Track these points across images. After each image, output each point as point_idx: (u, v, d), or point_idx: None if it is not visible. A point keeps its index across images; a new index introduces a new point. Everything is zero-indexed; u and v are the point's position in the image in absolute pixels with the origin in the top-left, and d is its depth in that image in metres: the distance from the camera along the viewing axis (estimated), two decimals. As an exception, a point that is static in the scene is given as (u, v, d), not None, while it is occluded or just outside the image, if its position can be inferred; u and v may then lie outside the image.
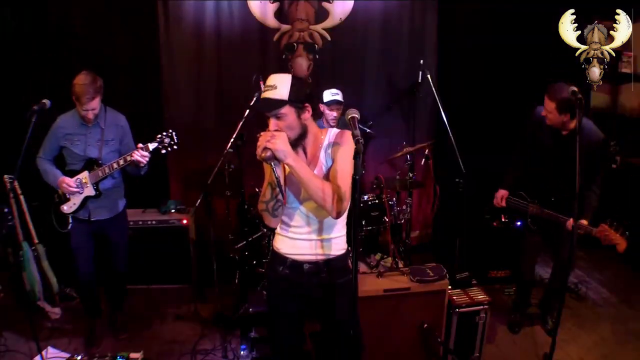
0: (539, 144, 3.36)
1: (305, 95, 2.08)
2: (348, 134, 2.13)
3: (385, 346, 3.03)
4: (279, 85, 2.03)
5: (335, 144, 2.17)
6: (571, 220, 3.05)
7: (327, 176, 2.16)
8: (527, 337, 3.58)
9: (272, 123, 2.06)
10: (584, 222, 3.09)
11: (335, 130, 2.22)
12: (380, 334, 3.00)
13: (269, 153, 1.96)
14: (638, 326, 3.67)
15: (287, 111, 2.04)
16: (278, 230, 2.33)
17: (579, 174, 2.60)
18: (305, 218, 2.23)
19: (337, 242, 2.28)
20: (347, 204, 2.11)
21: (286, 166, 2.09)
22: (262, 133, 2.03)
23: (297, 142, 2.12)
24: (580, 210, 3.00)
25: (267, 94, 2.05)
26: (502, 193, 3.57)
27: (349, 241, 2.35)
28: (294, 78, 2.07)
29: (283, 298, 2.35)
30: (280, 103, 2.02)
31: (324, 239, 2.24)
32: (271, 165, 2.03)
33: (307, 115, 2.11)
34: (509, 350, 3.46)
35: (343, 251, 2.31)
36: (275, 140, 1.96)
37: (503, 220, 3.56)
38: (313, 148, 2.19)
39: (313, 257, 2.25)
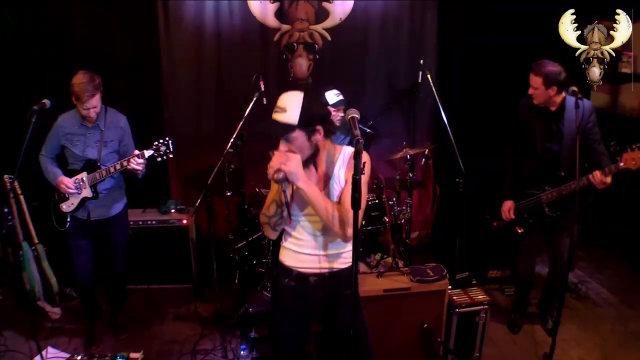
0: (531, 128, 3.30)
1: (317, 116, 2.01)
2: (363, 156, 1.85)
3: (385, 346, 3.03)
4: (289, 109, 1.96)
5: (349, 166, 2.11)
6: (595, 171, 3.02)
7: (339, 196, 2.12)
8: (527, 337, 3.58)
9: (282, 145, 2.02)
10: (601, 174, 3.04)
11: (350, 150, 2.15)
12: (380, 334, 2.99)
13: (281, 175, 1.93)
14: (638, 326, 3.67)
15: (297, 135, 1.99)
16: (283, 242, 2.31)
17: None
18: (311, 233, 2.20)
19: (345, 255, 2.23)
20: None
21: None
22: (275, 152, 1.99)
23: (308, 161, 2.08)
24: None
25: (277, 117, 1.99)
26: (508, 205, 3.43)
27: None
28: (305, 99, 1.98)
29: (286, 313, 2.33)
30: (289, 128, 1.96)
31: (329, 254, 2.21)
32: (281, 186, 2.00)
33: (319, 137, 2.04)
34: (509, 350, 3.46)
35: (350, 264, 2.23)
36: (289, 162, 1.92)
37: (519, 232, 3.45)
38: (325, 165, 2.15)
39: (318, 270, 2.22)
